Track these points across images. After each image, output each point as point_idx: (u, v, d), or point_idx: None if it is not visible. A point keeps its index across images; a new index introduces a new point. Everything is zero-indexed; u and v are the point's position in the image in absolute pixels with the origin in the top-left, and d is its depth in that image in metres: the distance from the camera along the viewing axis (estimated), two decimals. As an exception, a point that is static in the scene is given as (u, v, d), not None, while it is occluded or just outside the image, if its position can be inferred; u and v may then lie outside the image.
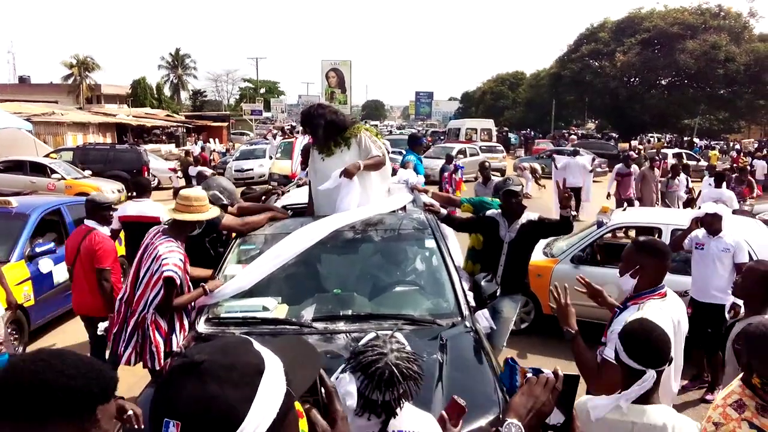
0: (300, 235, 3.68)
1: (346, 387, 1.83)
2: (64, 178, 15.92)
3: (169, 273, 3.50)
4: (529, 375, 1.47)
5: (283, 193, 5.31)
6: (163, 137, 36.85)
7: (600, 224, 6.18)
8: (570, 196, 4.49)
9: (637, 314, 2.44)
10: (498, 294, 4.06)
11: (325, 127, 4.16)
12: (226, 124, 47.02)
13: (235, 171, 20.72)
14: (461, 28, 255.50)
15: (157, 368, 3.65)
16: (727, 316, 4.64)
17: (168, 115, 46.42)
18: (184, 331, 3.70)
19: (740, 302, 4.16)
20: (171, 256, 3.55)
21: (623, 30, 44.63)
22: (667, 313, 2.55)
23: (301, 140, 18.82)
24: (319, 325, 3.24)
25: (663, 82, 44.95)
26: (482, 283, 3.76)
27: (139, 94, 61.19)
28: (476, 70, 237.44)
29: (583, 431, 1.69)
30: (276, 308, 3.47)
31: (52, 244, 6.21)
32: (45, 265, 6.08)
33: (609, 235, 6.73)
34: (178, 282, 3.56)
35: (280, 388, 0.96)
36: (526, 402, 1.40)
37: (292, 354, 1.06)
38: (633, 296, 2.69)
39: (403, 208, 4.48)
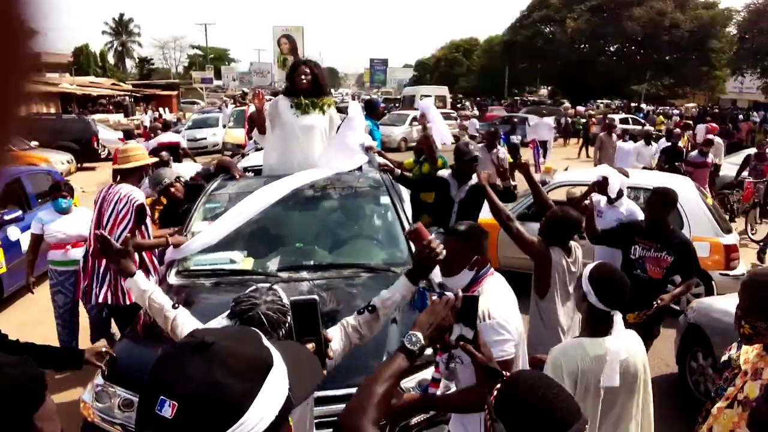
0: (262, 193, 3.90)
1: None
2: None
3: (140, 200, 3.87)
4: (434, 297, 1.72)
5: (243, 156, 5.50)
6: (110, 107, 35.68)
7: (543, 183, 6.58)
8: (506, 170, 4.70)
9: (486, 301, 2.27)
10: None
11: (318, 85, 4.40)
12: (175, 92, 45.76)
13: (188, 140, 20.39)
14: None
15: (128, 303, 3.92)
16: None
17: (114, 84, 44.76)
18: (158, 273, 3.94)
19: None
20: (136, 192, 3.95)
21: (573, -3, 45.33)
22: (504, 287, 2.48)
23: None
24: (284, 275, 3.51)
25: (611, 49, 46.10)
26: (433, 235, 4.08)
27: (81, 62, 58.74)
28: (431, 37, 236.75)
29: (489, 348, 1.95)
30: (242, 261, 3.71)
31: (19, 212, 6.23)
32: (13, 233, 6.11)
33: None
34: (148, 213, 3.90)
35: (283, 391, 0.92)
36: (428, 318, 1.63)
37: (295, 359, 1.01)
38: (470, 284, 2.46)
39: (360, 168, 4.74)
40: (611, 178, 4.75)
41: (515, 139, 12.76)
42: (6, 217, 6.13)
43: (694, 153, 10.63)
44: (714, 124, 15.12)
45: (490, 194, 3.84)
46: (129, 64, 75.22)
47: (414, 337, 1.56)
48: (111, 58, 70.15)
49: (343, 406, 2.45)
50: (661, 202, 3.97)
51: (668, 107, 41.59)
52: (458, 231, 2.52)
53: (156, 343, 2.93)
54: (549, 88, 58.55)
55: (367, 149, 5.13)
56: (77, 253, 4.70)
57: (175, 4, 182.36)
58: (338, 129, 4.63)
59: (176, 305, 2.25)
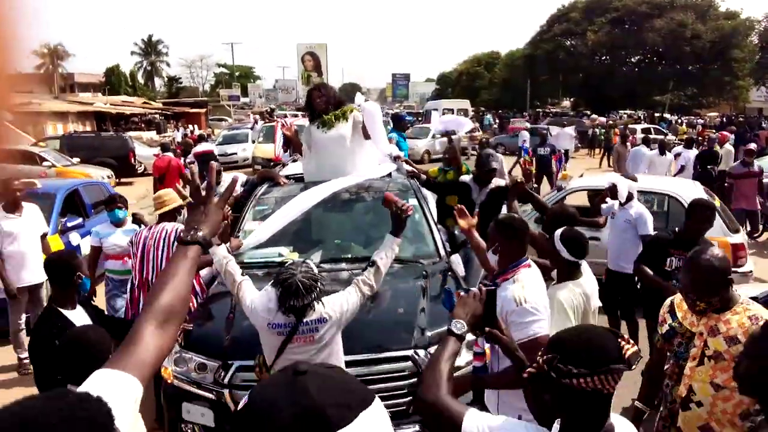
0: (304, 197, 4.45)
1: (271, 296, 2.68)
2: (55, 166, 16.35)
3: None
4: (462, 294, 2.16)
5: (284, 165, 6.08)
6: (142, 125, 36.88)
7: (559, 188, 7.05)
8: (531, 173, 5.23)
9: (516, 288, 2.66)
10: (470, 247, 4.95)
11: (331, 101, 4.95)
12: (204, 110, 47.02)
13: (218, 155, 21.22)
14: (437, 8, 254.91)
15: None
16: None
17: (145, 103, 46.27)
18: (204, 294, 4.35)
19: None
20: (179, 225, 4.39)
21: (593, 10, 45.67)
22: (538, 278, 2.85)
23: (284, 124, 19.42)
24: (326, 266, 4.03)
25: (633, 60, 46.21)
26: (456, 233, 4.60)
27: (113, 81, 60.70)
28: (452, 51, 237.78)
29: (509, 327, 2.46)
30: (289, 254, 4.25)
31: (80, 220, 6.90)
32: (74, 238, 6.76)
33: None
34: None
35: (383, 427, 0.91)
36: (463, 309, 2.03)
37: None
38: (500, 273, 2.81)
39: (389, 175, 5.27)
40: (619, 184, 5.25)
41: (542, 150, 13.15)
42: (69, 224, 6.80)
43: (737, 163, 10.17)
44: (725, 133, 15.21)
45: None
46: (158, 83, 77.26)
47: (459, 324, 1.94)
48: (140, 78, 72.17)
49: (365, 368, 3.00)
50: (702, 213, 4.09)
51: (693, 117, 41.49)
52: (498, 222, 2.93)
53: (220, 318, 3.50)
54: (572, 99, 58.70)
55: (395, 158, 5.68)
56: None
57: (202, 25, 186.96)
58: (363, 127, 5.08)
59: (244, 274, 2.84)
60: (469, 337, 2.96)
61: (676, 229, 4.36)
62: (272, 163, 12.27)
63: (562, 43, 47.64)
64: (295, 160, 6.59)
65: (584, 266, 3.21)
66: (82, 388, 1.01)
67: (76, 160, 17.51)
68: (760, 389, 1.85)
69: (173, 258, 1.39)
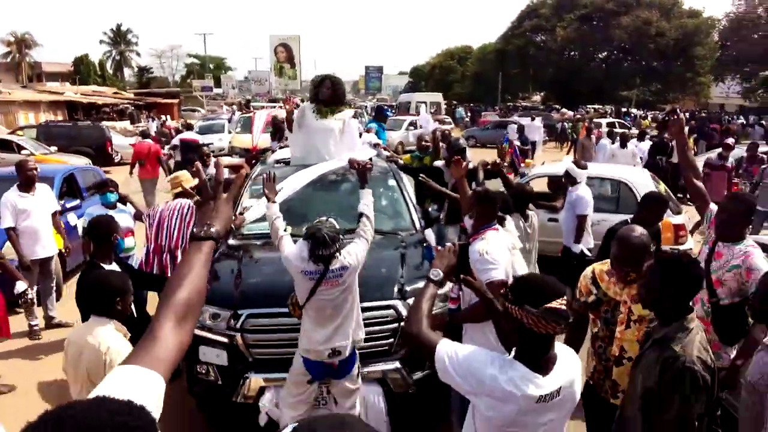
0: (295, 178, 5.03)
1: (303, 248, 3.30)
2: (33, 154, 16.48)
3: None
4: (439, 248, 2.79)
5: (273, 151, 6.64)
6: (113, 115, 36.60)
7: (522, 175, 7.76)
8: (499, 164, 5.87)
9: (482, 243, 3.30)
10: (443, 222, 5.63)
11: (335, 96, 5.49)
12: (176, 101, 46.79)
13: (195, 145, 21.50)
14: (410, 2, 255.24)
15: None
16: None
17: (116, 93, 45.84)
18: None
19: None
20: (191, 202, 4.96)
21: (563, 6, 46.80)
22: (502, 239, 3.51)
23: (260, 115, 19.84)
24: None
25: (600, 56, 47.51)
26: (430, 209, 5.25)
27: (82, 71, 59.75)
28: (425, 44, 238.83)
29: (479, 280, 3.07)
30: (283, 228, 4.84)
31: (78, 201, 7.34)
32: (72, 218, 7.20)
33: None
34: None
35: None
36: (440, 261, 2.46)
37: None
38: (473, 233, 3.52)
39: (370, 160, 5.87)
40: (571, 170, 5.96)
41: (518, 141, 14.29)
42: (67, 206, 7.24)
43: (714, 156, 10.56)
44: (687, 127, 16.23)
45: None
46: (127, 72, 76.12)
47: (436, 272, 2.39)
48: (109, 67, 71.06)
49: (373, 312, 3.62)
50: (655, 206, 4.36)
51: (657, 111, 42.98)
52: (476, 194, 3.66)
53: (229, 275, 4.09)
54: (542, 94, 59.97)
55: (375, 145, 6.31)
56: (128, 242, 5.70)
57: (172, 14, 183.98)
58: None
59: (286, 229, 3.43)
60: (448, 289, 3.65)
61: (629, 219, 4.60)
62: (249, 153, 12.76)
63: (532, 38, 48.76)
64: (282, 147, 7.17)
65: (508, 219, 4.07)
66: (109, 385, 1.03)
67: (53, 148, 17.64)
68: (652, 305, 2.51)
69: (188, 253, 1.43)
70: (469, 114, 38.55)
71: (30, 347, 5.77)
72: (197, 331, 3.79)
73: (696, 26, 40.96)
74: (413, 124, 23.99)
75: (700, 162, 11.85)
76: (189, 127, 15.31)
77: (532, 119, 22.04)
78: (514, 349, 2.01)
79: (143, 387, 1.06)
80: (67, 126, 20.62)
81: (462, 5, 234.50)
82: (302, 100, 40.60)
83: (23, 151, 16.51)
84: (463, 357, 2.00)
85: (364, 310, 3.64)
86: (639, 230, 3.02)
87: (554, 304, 1.87)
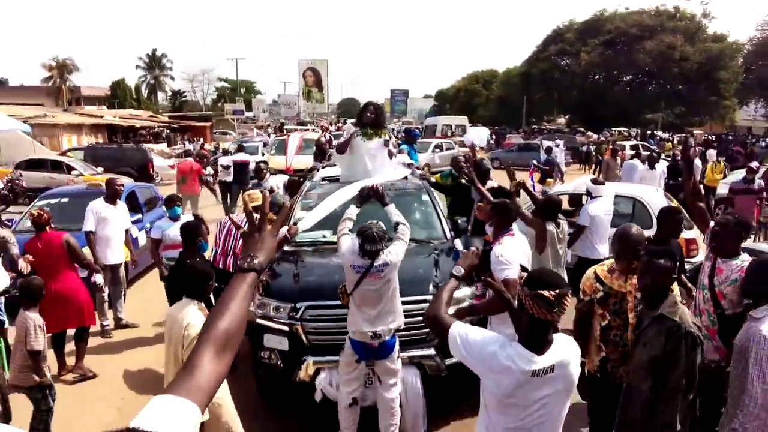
0: (340, 193, 5.72)
1: (355, 243, 3.95)
2: (83, 174, 17.58)
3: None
4: (464, 251, 3.37)
5: (317, 170, 7.38)
6: (149, 137, 38.08)
7: (543, 193, 8.37)
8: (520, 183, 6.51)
9: (499, 247, 3.98)
10: (469, 234, 6.27)
11: (378, 120, 6.23)
12: (209, 124, 48.38)
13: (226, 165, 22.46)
14: (436, 26, 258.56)
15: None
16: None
17: (151, 116, 47.66)
18: None
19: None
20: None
21: (587, 31, 47.38)
22: (518, 243, 4.18)
23: (294, 137, 20.74)
24: (361, 244, 5.30)
25: (624, 80, 47.85)
26: (459, 221, 5.90)
27: (118, 95, 62.05)
28: (450, 68, 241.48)
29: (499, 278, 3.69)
30: (330, 237, 5.53)
31: (139, 215, 8.16)
32: (134, 231, 8.01)
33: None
34: None
35: None
36: (464, 261, 3.01)
37: None
38: (493, 239, 4.27)
39: (405, 178, 6.56)
40: (588, 185, 6.62)
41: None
42: (131, 219, 8.06)
43: (739, 179, 10.48)
44: (694, 148, 16.64)
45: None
46: (160, 96, 78.56)
47: (458, 269, 2.92)
48: (144, 91, 73.52)
49: (411, 306, 4.25)
50: (672, 218, 4.57)
51: (683, 134, 43.08)
52: (494, 206, 4.40)
53: (288, 274, 4.77)
54: (567, 117, 60.29)
55: (409, 165, 6.99)
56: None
57: (204, 39, 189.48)
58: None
59: (350, 231, 4.13)
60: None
61: (651, 236, 4.79)
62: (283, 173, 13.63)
63: (557, 62, 49.35)
64: (325, 167, 7.91)
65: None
66: (145, 415, 1.08)
67: (100, 169, 18.74)
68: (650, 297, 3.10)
69: (231, 284, 1.45)
70: (494, 137, 39.14)
71: (103, 345, 6.52)
72: (262, 321, 4.49)
73: (720, 50, 41.15)
74: (439, 146, 24.73)
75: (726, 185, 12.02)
76: (241, 149, 16.41)
77: (555, 142, 22.65)
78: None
79: (178, 417, 1.09)
80: (112, 148, 21.84)
81: (488, 30, 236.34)
82: (332, 123, 41.67)
83: (73, 172, 17.65)
84: (470, 337, 2.37)
85: (404, 303, 4.28)
86: (635, 227, 3.68)
87: (544, 293, 2.22)
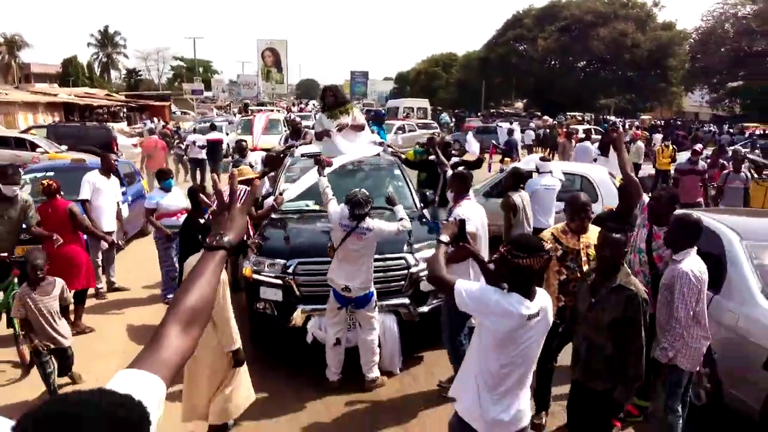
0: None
1: (344, 208, 4.64)
2: (47, 152, 17.58)
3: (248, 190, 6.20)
4: (444, 222, 4.08)
5: (294, 147, 7.98)
6: (106, 116, 37.44)
7: (501, 171, 9.18)
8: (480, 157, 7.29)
9: (459, 209, 4.64)
10: (437, 204, 7.03)
11: (338, 100, 6.86)
12: (167, 103, 47.68)
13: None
14: (396, 8, 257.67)
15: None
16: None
17: (108, 95, 46.67)
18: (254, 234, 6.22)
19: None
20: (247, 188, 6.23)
21: (545, 17, 48.63)
22: (474, 205, 4.90)
23: (260, 117, 21.08)
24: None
25: (579, 66, 49.42)
26: (427, 193, 6.64)
27: (70, 73, 60.29)
28: (410, 51, 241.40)
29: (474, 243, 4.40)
30: (312, 205, 6.19)
31: (124, 189, 8.60)
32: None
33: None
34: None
35: None
36: (446, 230, 3.46)
37: None
38: (453, 203, 4.93)
39: (378, 154, 7.24)
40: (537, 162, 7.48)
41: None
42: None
43: (683, 160, 11.10)
44: (638, 132, 17.90)
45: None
46: (114, 75, 76.50)
47: (444, 237, 3.33)
48: (96, 69, 71.47)
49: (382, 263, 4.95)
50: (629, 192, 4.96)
51: (634, 119, 44.96)
52: (454, 174, 5.11)
53: (279, 236, 5.42)
54: (524, 101, 61.75)
55: (380, 143, 7.68)
56: (182, 219, 6.97)
57: (159, 18, 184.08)
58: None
59: (333, 196, 4.82)
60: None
61: (613, 208, 5.55)
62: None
63: (515, 47, 50.55)
64: (301, 144, 8.51)
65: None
66: (112, 387, 1.06)
67: (64, 147, 18.71)
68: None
69: (200, 262, 1.45)
70: (453, 119, 40.06)
71: (98, 305, 7.02)
72: (259, 277, 5.14)
73: (669, 38, 43.05)
74: (401, 128, 25.45)
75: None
76: (214, 128, 16.91)
77: (510, 125, 23.73)
78: (506, 285, 2.75)
79: (144, 390, 1.08)
80: (75, 126, 21.68)
81: (447, 13, 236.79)
82: (294, 104, 41.69)
83: (38, 149, 17.62)
84: (475, 289, 2.81)
85: (382, 260, 5.00)
86: (582, 193, 4.52)
87: (539, 252, 2.73)
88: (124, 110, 39.89)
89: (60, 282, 4.91)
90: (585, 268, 4.09)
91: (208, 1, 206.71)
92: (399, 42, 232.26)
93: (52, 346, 4.72)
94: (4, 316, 5.45)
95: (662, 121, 42.03)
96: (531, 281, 2.75)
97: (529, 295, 2.72)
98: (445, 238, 3.22)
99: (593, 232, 4.17)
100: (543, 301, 2.79)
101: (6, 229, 5.47)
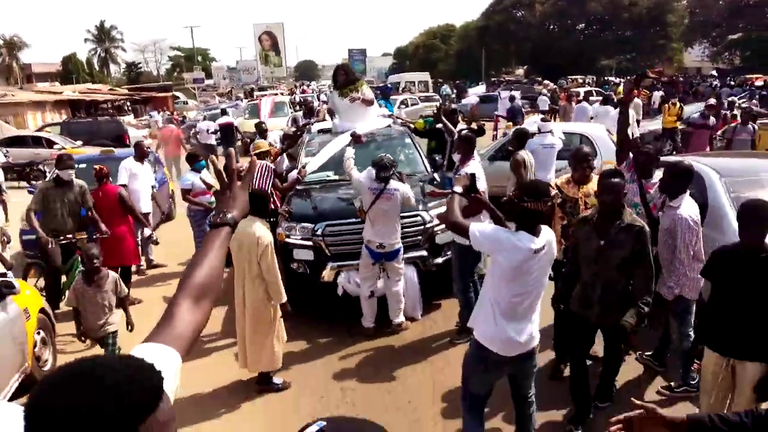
0: (337, 141, 6.91)
1: (371, 172, 5.22)
2: (64, 148, 18.20)
3: (272, 167, 6.76)
4: (456, 176, 4.60)
5: (312, 125, 8.54)
6: (111, 110, 37.92)
7: (505, 134, 9.70)
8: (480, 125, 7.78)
9: (466, 167, 5.00)
10: (445, 168, 7.58)
11: (349, 78, 7.37)
12: (170, 94, 48.08)
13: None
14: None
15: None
16: None
17: (111, 89, 47.11)
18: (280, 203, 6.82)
19: None
20: (268, 163, 6.79)
21: (540, -19, 48.30)
22: (479, 167, 5.25)
23: (266, 101, 21.53)
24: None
25: (578, 28, 49.25)
26: (436, 158, 7.20)
27: (71, 70, 60.69)
28: (407, 25, 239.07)
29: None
30: (333, 176, 6.76)
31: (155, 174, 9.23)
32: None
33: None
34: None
35: None
36: (458, 182, 3.96)
37: None
38: (460, 163, 5.31)
39: (389, 126, 7.78)
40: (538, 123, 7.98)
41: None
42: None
43: (696, 115, 11.30)
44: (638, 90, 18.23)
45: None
46: (113, 69, 76.69)
47: (458, 188, 3.78)
48: (96, 64, 71.76)
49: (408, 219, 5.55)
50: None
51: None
52: (460, 137, 5.63)
53: (306, 204, 6.00)
54: (525, 67, 61.57)
55: (390, 116, 8.22)
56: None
57: (154, 9, 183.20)
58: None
59: (354, 166, 5.38)
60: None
61: (614, 163, 5.63)
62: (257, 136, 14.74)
63: (512, 14, 50.42)
64: (316, 122, 9.07)
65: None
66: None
67: (78, 143, 19.34)
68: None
69: (206, 239, 1.51)
70: (455, 90, 40.27)
71: (139, 280, 7.67)
72: (291, 240, 5.73)
73: (667, -6, 42.93)
74: (404, 102, 25.85)
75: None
76: (224, 113, 17.78)
77: (511, 92, 23.97)
78: (514, 225, 3.18)
79: (159, 362, 1.06)
80: (87, 122, 22.26)
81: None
82: (296, 87, 41.85)
83: (55, 146, 18.25)
84: (487, 230, 3.24)
85: (403, 218, 5.57)
86: (583, 146, 4.99)
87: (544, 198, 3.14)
88: (128, 104, 40.36)
89: (113, 276, 5.02)
90: (583, 214, 4.37)
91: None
92: (396, 17, 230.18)
93: (97, 337, 4.95)
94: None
95: (665, 78, 42.03)
96: (537, 222, 3.14)
97: (536, 233, 3.12)
98: (458, 188, 3.59)
99: (594, 183, 4.52)
100: (548, 236, 3.19)
101: (66, 212, 6.08)
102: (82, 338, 5.01)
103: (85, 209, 6.33)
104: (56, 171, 6.18)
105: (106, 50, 74.42)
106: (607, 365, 4.20)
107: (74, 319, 5.02)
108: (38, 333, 5.03)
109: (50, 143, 18.60)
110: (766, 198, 4.53)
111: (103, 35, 74.03)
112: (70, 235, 6.06)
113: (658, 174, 4.64)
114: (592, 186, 4.50)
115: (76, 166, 9.13)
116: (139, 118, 34.06)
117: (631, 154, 4.93)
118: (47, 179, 7.46)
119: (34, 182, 15.98)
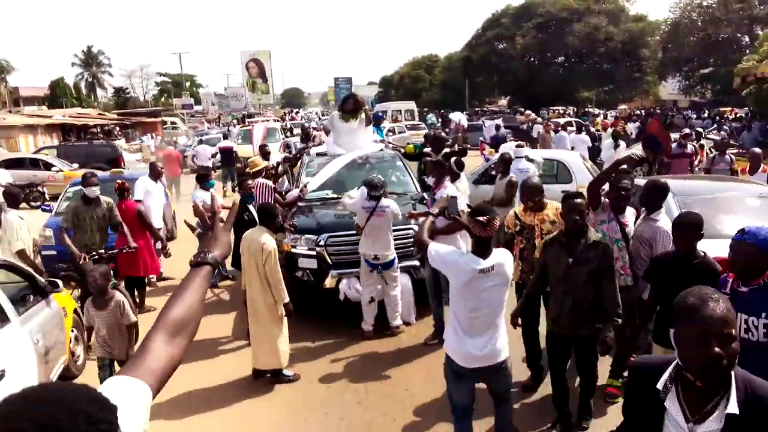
0: (335, 163, 7.65)
1: (363, 192, 5.94)
2: (62, 170, 18.73)
3: (272, 185, 7.48)
4: (437, 198, 5.31)
5: (310, 149, 9.27)
6: (101, 135, 38.29)
7: (486, 159, 10.51)
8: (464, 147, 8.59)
9: (443, 190, 5.79)
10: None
11: (356, 108, 8.11)
12: (159, 119, 48.64)
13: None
14: (376, 14, 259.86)
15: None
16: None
17: (100, 114, 47.55)
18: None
19: None
20: (268, 181, 7.49)
21: (521, 15, 50.20)
22: (459, 185, 6.30)
23: (258, 127, 22.30)
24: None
25: (558, 61, 51.05)
26: (425, 179, 7.95)
27: (58, 94, 61.03)
28: (392, 55, 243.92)
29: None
30: (331, 194, 7.47)
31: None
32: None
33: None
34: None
35: None
36: (438, 204, 4.64)
37: None
38: (434, 186, 6.01)
39: (381, 150, 8.53)
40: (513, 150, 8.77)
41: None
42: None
43: (674, 145, 10.96)
44: (606, 121, 19.60)
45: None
46: (100, 93, 76.99)
47: (434, 210, 4.50)
48: (83, 89, 72.07)
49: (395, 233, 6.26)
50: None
51: (612, 111, 46.58)
52: (435, 162, 6.36)
53: (311, 219, 6.69)
54: (507, 98, 63.18)
55: (381, 141, 8.99)
56: (224, 213, 8.20)
57: (140, 34, 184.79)
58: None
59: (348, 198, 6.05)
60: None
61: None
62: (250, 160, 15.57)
63: (495, 46, 52.10)
64: (314, 146, 9.82)
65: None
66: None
67: (75, 165, 19.86)
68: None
69: (187, 277, 1.55)
70: (440, 119, 41.44)
71: (149, 291, 8.23)
72: (297, 250, 6.40)
73: (641, 30, 44.88)
74: (391, 130, 26.82)
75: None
76: (225, 137, 18.64)
77: (494, 121, 25.31)
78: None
79: (130, 394, 1.10)
80: (83, 145, 22.81)
81: (427, 17, 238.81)
82: (285, 114, 42.72)
83: (53, 168, 18.76)
84: (441, 250, 3.54)
85: (397, 230, 6.27)
86: (532, 179, 5.35)
87: (478, 218, 3.35)
88: (118, 128, 40.86)
89: (119, 297, 4.78)
90: (538, 240, 4.79)
91: (188, 16, 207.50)
92: (381, 47, 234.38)
93: (106, 358, 4.78)
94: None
95: (642, 111, 43.62)
96: (486, 245, 3.40)
97: (484, 254, 3.38)
98: (434, 210, 4.12)
99: (549, 209, 5.02)
100: (498, 258, 3.42)
101: (96, 227, 6.63)
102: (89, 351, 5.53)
103: (114, 224, 6.81)
104: (82, 189, 6.76)
105: (94, 75, 74.77)
106: (584, 381, 4.31)
107: (86, 332, 5.42)
108: (73, 331, 5.60)
109: (48, 165, 19.10)
110: (716, 214, 5.44)
111: (91, 60, 74.43)
112: (101, 250, 6.58)
113: (630, 210, 4.98)
114: (547, 212, 5.02)
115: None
116: (131, 143, 34.59)
117: (604, 199, 5.01)
118: (71, 197, 8.00)
119: (33, 203, 16.52)
